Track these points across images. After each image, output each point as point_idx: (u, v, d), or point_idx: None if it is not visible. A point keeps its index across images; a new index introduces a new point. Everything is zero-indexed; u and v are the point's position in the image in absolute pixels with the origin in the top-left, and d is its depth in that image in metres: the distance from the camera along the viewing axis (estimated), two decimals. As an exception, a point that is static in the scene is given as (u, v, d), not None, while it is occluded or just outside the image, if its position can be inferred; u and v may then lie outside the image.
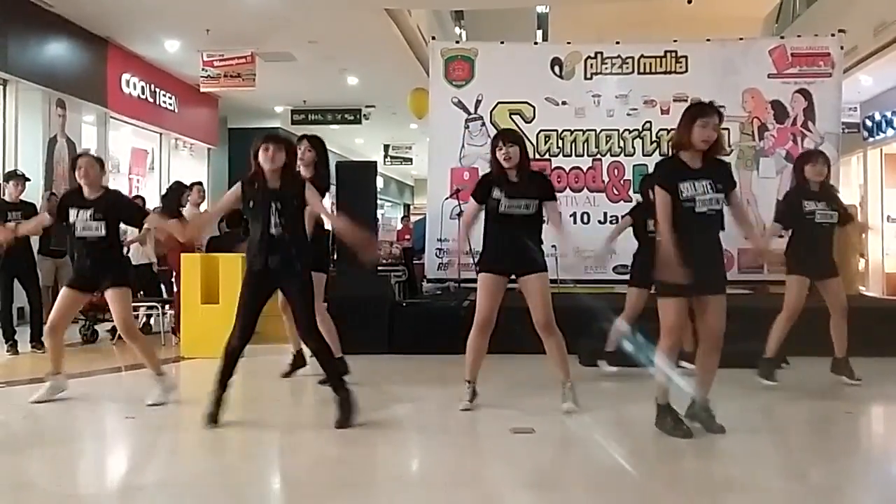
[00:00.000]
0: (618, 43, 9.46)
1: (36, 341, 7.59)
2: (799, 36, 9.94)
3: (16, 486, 3.67)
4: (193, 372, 6.86)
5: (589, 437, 4.43)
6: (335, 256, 7.70)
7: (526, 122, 9.19)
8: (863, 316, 7.03)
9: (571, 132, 9.26)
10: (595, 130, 9.24)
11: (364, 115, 17.42)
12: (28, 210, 7.67)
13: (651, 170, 5.11)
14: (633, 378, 5.90)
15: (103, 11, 10.89)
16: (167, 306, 8.50)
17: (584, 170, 9.21)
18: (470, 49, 9.55)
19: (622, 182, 9.14)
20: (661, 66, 9.26)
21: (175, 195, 8.45)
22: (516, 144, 4.88)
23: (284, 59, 12.99)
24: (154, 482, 3.81)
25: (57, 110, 10.99)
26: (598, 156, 9.22)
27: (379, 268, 8.80)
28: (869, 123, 13.63)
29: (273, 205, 4.52)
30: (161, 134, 14.61)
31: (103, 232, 5.14)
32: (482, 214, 5.02)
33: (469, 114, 9.29)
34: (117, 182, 12.56)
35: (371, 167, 8.21)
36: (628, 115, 9.21)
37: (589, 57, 9.31)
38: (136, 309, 8.53)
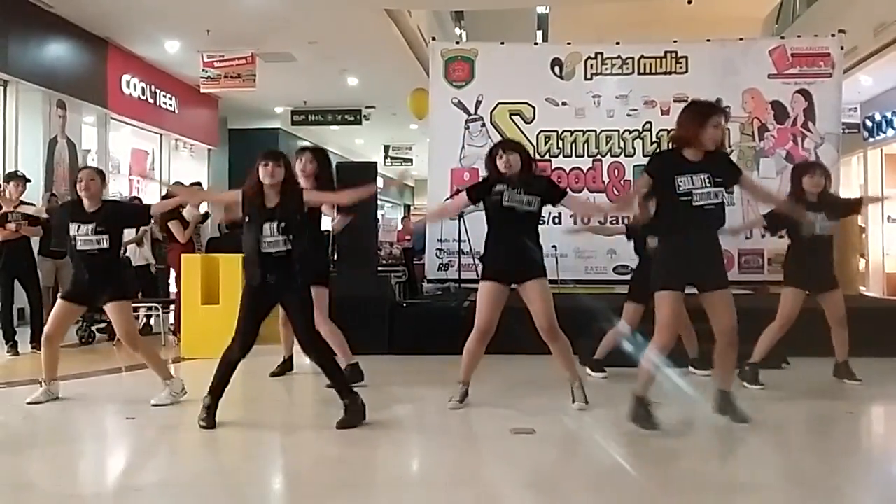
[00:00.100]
0: (618, 43, 9.46)
1: (36, 342, 7.57)
2: (799, 36, 9.94)
3: (16, 487, 3.67)
4: (193, 373, 6.85)
5: (589, 438, 4.43)
6: (335, 257, 7.70)
7: (526, 123, 9.20)
8: (863, 316, 7.03)
9: (572, 133, 9.26)
10: (595, 131, 9.24)
11: (364, 115, 17.42)
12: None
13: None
14: (632, 378, 5.90)
15: (103, 12, 10.90)
16: (167, 307, 8.49)
17: (585, 170, 9.21)
18: (470, 50, 9.56)
19: (622, 182, 9.13)
20: (661, 66, 9.26)
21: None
22: (516, 152, 4.87)
23: (284, 59, 13.00)
24: (154, 482, 3.81)
25: (57, 111, 11.00)
26: (599, 156, 9.23)
27: (379, 268, 8.80)
28: (869, 124, 13.64)
29: (271, 225, 4.51)
30: (161, 135, 14.61)
31: (106, 245, 5.12)
32: (482, 215, 5.02)
33: (469, 114, 9.29)
34: (117, 182, 12.58)
35: (371, 167, 8.22)
36: (628, 115, 9.22)
37: (589, 57, 9.31)
38: (136, 310, 8.55)
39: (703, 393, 5.24)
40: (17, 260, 7.52)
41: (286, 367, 6.28)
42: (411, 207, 27.27)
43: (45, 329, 5.26)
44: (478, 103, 9.28)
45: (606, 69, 9.31)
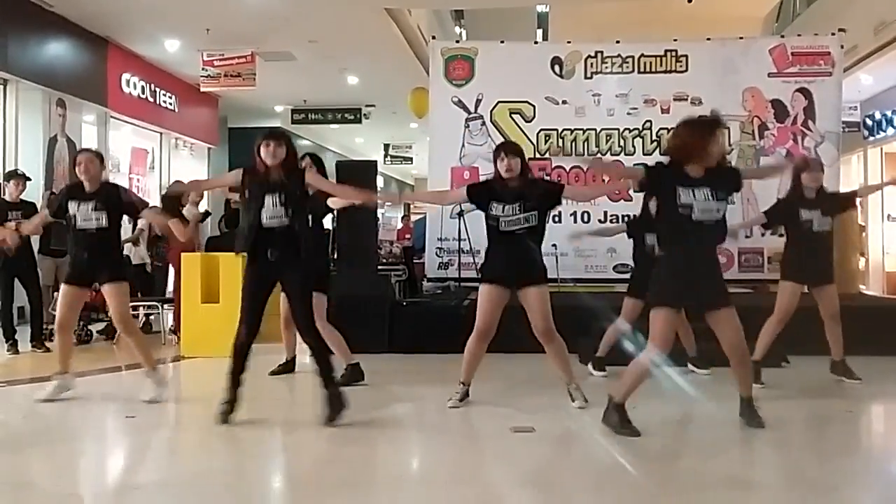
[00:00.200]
0: (618, 42, 9.46)
1: (36, 341, 7.60)
2: (799, 35, 9.96)
3: (16, 486, 3.67)
4: (194, 371, 6.87)
5: (589, 437, 4.43)
6: (335, 256, 7.71)
7: (526, 122, 9.20)
8: (863, 315, 7.04)
9: (571, 131, 9.26)
10: (595, 130, 9.24)
11: (364, 114, 17.41)
12: (28, 210, 7.67)
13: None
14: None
15: (103, 11, 10.89)
16: (166, 305, 8.49)
17: (585, 169, 9.21)
18: (470, 48, 9.56)
19: (621, 182, 9.11)
20: (661, 65, 9.26)
21: (175, 195, 8.43)
22: (517, 156, 4.91)
23: (284, 58, 12.99)
24: (154, 481, 3.81)
25: (57, 110, 10.99)
26: (599, 155, 9.22)
27: (379, 267, 8.80)
28: (869, 122, 13.63)
29: (273, 197, 4.49)
30: (161, 133, 14.60)
31: (105, 223, 5.14)
32: (482, 214, 5.02)
33: (469, 113, 9.29)
34: (117, 182, 12.54)
35: (371, 166, 8.22)
36: (628, 114, 9.22)
37: (589, 56, 9.31)
38: (136, 309, 8.56)
39: (702, 392, 5.26)
40: (17, 259, 7.50)
41: (288, 367, 6.26)
42: (411, 206, 27.22)
43: (57, 318, 5.28)
44: (478, 102, 9.28)
45: (606, 68, 9.31)
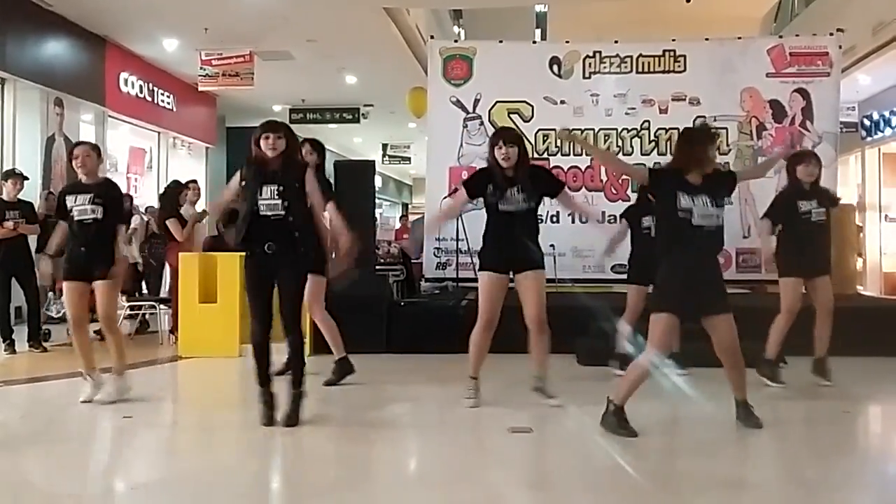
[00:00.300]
0: (616, 42, 9.45)
1: (33, 340, 7.59)
2: (797, 35, 9.95)
3: (13, 486, 3.66)
4: (192, 371, 6.86)
5: (587, 437, 4.43)
6: (333, 255, 7.70)
7: (524, 122, 9.19)
8: (860, 315, 7.05)
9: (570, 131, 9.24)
10: (593, 129, 9.23)
11: (362, 114, 17.40)
12: (26, 209, 7.67)
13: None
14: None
15: (101, 10, 10.87)
16: (164, 305, 8.48)
17: (583, 169, 9.20)
18: (468, 48, 9.55)
19: (620, 181, 9.12)
20: (659, 65, 9.26)
21: (173, 194, 8.44)
22: (516, 145, 4.90)
23: (283, 57, 12.98)
24: (152, 481, 3.81)
25: (55, 109, 10.98)
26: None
27: (377, 267, 8.80)
28: (867, 123, 13.64)
29: (270, 187, 4.44)
30: (159, 133, 14.59)
31: (100, 215, 5.12)
32: (480, 214, 5.02)
33: (467, 113, 9.28)
34: (115, 181, 12.53)
35: (369, 166, 8.22)
36: (627, 114, 9.21)
37: (587, 56, 9.30)
38: (135, 309, 8.56)
39: (701, 391, 5.26)
40: (15, 258, 7.51)
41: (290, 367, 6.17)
42: (409, 206, 27.25)
43: (69, 318, 5.23)
44: (476, 102, 9.27)
45: (605, 68, 9.30)
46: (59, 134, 11.05)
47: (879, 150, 13.78)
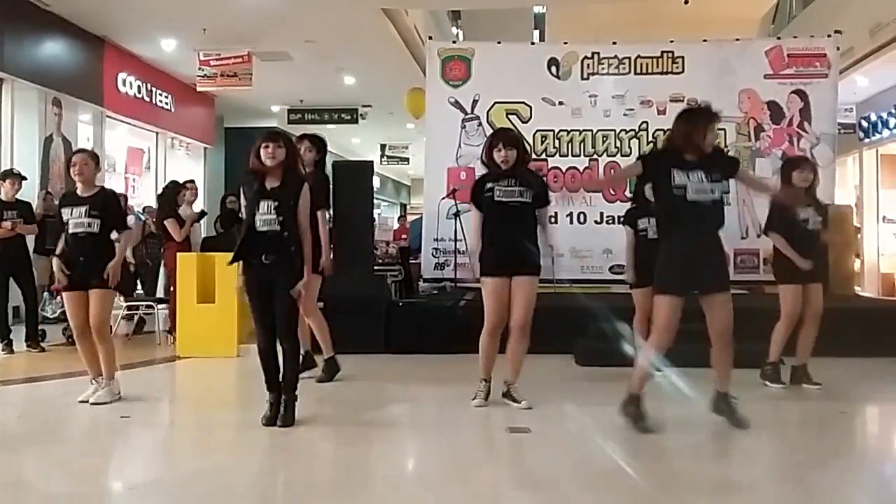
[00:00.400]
0: (614, 43, 9.47)
1: (31, 340, 7.58)
2: (795, 37, 9.96)
3: (11, 486, 3.66)
4: (190, 371, 6.86)
5: (585, 437, 4.44)
6: (331, 256, 7.69)
7: (523, 123, 9.19)
8: (858, 317, 7.06)
9: (568, 132, 9.27)
10: (592, 131, 9.24)
11: (361, 114, 17.40)
12: (24, 209, 7.66)
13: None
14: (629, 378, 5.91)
15: (100, 10, 10.87)
16: (160, 305, 8.47)
17: (581, 170, 9.21)
18: (467, 49, 9.56)
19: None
20: (657, 66, 9.27)
21: (171, 195, 8.44)
22: (514, 148, 4.91)
23: (281, 58, 12.98)
24: (150, 481, 3.80)
25: (53, 109, 10.97)
26: (595, 156, 9.23)
27: (375, 267, 8.80)
28: (865, 124, 13.65)
29: (267, 202, 4.52)
30: (157, 133, 14.58)
31: (96, 229, 5.11)
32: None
33: (466, 113, 9.29)
34: (113, 181, 12.54)
35: (367, 167, 8.22)
36: (625, 115, 9.22)
37: (586, 57, 9.31)
38: (133, 309, 8.55)
39: (700, 392, 5.26)
40: (13, 258, 7.50)
41: (306, 363, 5.86)
42: (408, 206, 27.23)
43: (73, 328, 5.20)
44: (474, 102, 9.28)
45: (603, 69, 9.31)
46: (57, 134, 11.05)
47: (877, 151, 13.79)
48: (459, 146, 9.24)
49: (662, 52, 9.25)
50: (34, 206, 8.21)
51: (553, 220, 8.52)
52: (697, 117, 4.47)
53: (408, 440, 4.64)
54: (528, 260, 4.91)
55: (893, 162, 13.83)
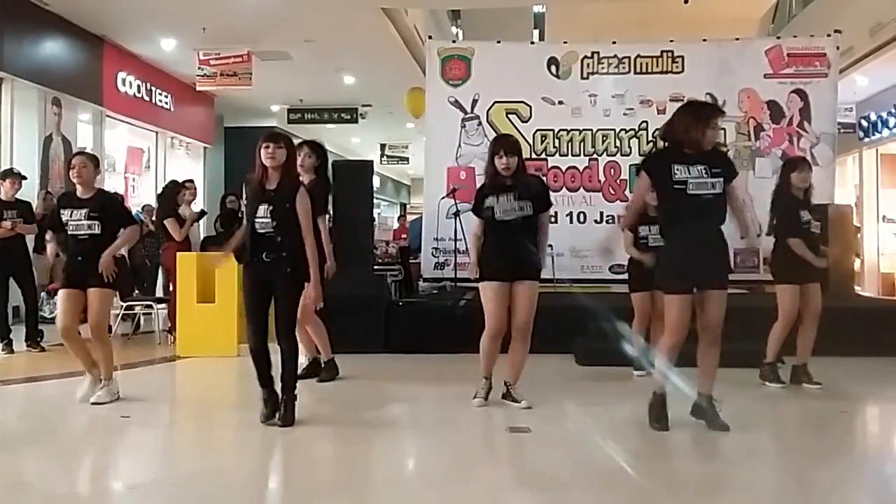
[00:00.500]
0: (614, 43, 9.47)
1: (31, 340, 7.58)
2: (795, 36, 9.97)
3: (11, 486, 3.65)
4: (189, 371, 6.86)
5: (586, 437, 4.44)
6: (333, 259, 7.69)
7: (522, 122, 9.20)
8: (858, 316, 7.06)
9: (568, 132, 9.27)
10: (591, 130, 9.25)
11: (360, 114, 17.40)
12: (23, 209, 7.66)
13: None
14: (629, 378, 5.91)
15: (99, 10, 10.87)
16: (160, 305, 8.47)
17: (581, 169, 9.22)
18: (466, 48, 9.56)
19: (618, 182, 9.15)
20: (657, 65, 9.28)
21: (170, 194, 8.44)
22: (515, 155, 4.94)
23: (281, 57, 12.97)
24: (150, 481, 3.80)
25: (52, 108, 10.97)
26: (595, 155, 9.24)
27: (375, 267, 8.80)
28: (865, 124, 13.66)
29: (264, 206, 4.56)
30: (157, 133, 14.58)
31: (97, 231, 5.11)
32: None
33: (466, 113, 9.29)
34: (113, 181, 12.55)
35: (367, 166, 8.22)
36: (625, 114, 9.23)
37: (585, 57, 9.32)
38: (132, 309, 8.54)
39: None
40: (13, 258, 7.50)
41: (311, 370, 5.94)
42: (407, 206, 27.23)
43: (58, 325, 5.18)
44: (474, 102, 9.28)
45: (603, 68, 9.32)
46: (57, 133, 11.04)
47: (877, 150, 13.80)
48: (459, 146, 9.24)
49: (662, 52, 9.25)
50: (34, 206, 8.21)
51: (553, 219, 8.53)
52: (700, 112, 4.43)
53: (408, 440, 4.64)
54: (530, 265, 4.92)
55: (893, 161, 13.83)
